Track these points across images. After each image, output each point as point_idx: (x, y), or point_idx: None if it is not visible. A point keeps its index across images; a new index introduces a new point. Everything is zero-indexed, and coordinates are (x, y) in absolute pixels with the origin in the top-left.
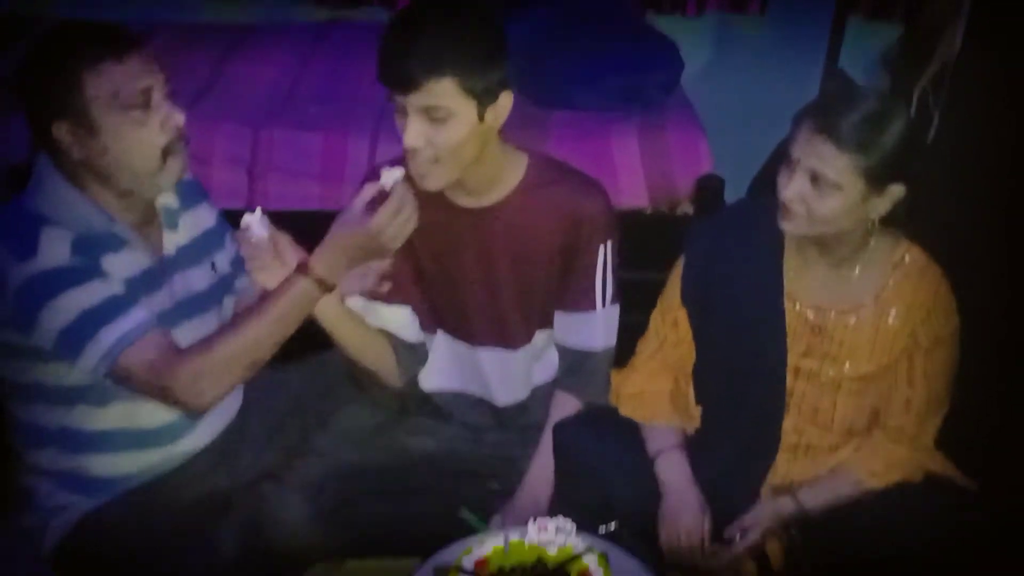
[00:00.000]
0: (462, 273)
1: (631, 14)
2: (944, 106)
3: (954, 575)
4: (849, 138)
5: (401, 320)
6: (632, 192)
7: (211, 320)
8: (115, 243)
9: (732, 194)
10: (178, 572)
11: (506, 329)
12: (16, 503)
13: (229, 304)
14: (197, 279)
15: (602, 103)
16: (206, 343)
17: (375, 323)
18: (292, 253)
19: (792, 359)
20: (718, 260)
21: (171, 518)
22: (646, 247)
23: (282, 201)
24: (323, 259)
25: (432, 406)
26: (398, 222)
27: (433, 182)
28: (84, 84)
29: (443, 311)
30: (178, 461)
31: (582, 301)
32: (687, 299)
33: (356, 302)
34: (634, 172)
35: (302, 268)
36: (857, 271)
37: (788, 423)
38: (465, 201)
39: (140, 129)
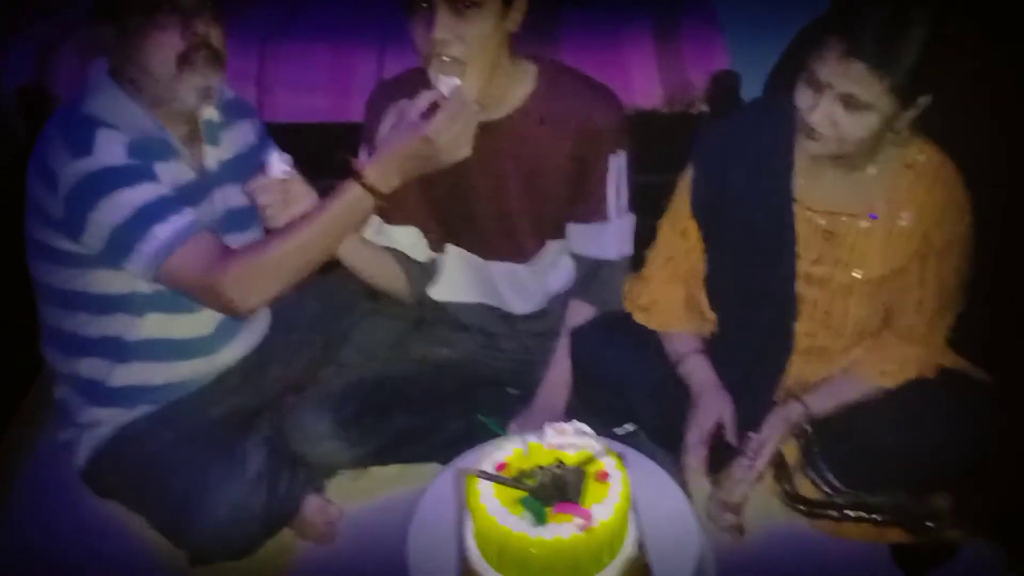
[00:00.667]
0: (472, 188)
1: None
2: None
3: (973, 472)
4: (882, 57)
5: (410, 240)
6: (646, 92)
7: (250, 237)
8: (166, 151)
9: (748, 91)
10: (207, 485)
11: (516, 242)
12: (49, 418)
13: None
14: (237, 196)
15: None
16: (257, 245)
17: (384, 243)
18: (306, 197)
19: (803, 266)
20: (726, 169)
21: (198, 434)
22: (661, 148)
23: (290, 114)
24: (377, 167)
25: (450, 316)
26: (455, 129)
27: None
28: None
29: (454, 226)
30: (210, 376)
31: (595, 212)
32: (696, 208)
33: (368, 224)
34: (648, 71)
35: (356, 175)
36: (869, 173)
37: (800, 327)
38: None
39: (159, 34)
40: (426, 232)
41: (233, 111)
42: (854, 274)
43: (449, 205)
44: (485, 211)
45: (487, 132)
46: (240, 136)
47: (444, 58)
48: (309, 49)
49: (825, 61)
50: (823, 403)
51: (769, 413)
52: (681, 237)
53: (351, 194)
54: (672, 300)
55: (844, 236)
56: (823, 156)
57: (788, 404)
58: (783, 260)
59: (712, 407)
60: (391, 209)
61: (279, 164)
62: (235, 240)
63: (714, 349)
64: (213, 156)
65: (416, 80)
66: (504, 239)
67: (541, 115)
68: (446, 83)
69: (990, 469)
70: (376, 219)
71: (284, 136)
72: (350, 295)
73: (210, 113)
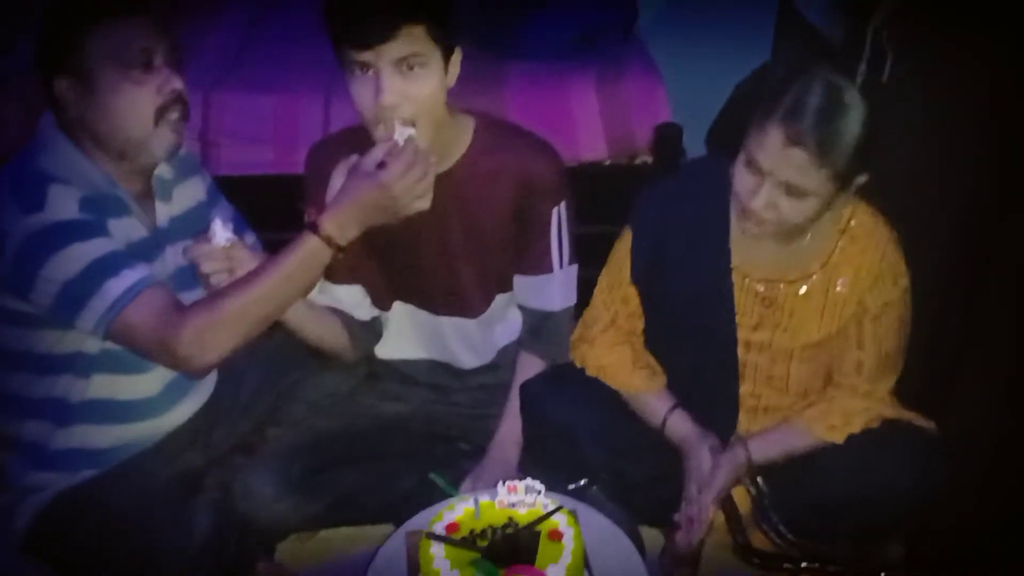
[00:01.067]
0: (416, 243)
1: None
2: (897, 46)
3: (923, 519)
4: (823, 146)
5: (353, 299)
6: (591, 144)
7: (201, 294)
8: (119, 207)
9: (690, 141)
10: (152, 550)
11: (464, 297)
12: None
13: None
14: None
15: (557, 52)
16: (211, 300)
17: (327, 302)
18: (250, 262)
19: (743, 333)
20: (664, 236)
21: (146, 496)
22: (606, 199)
23: (236, 167)
24: (334, 218)
25: (400, 371)
26: (411, 177)
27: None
28: (86, 38)
29: (400, 282)
30: (155, 438)
31: (539, 264)
32: (636, 275)
33: None
34: (593, 123)
35: (312, 226)
36: (806, 241)
37: (745, 389)
38: None
39: (136, 89)
40: (373, 289)
41: (183, 167)
42: (794, 340)
43: (396, 262)
44: (432, 266)
45: None
46: (190, 192)
47: (396, 120)
48: (253, 100)
49: (766, 149)
50: (767, 450)
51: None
52: (622, 303)
53: (308, 246)
54: (621, 362)
55: (782, 302)
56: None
57: (732, 448)
58: (723, 327)
59: (705, 462)
60: (335, 267)
61: (222, 231)
62: (188, 298)
63: None
64: (165, 213)
65: (356, 138)
66: (452, 294)
67: (479, 169)
68: (400, 132)
69: (940, 516)
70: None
71: (230, 189)
72: (298, 350)
73: (162, 169)
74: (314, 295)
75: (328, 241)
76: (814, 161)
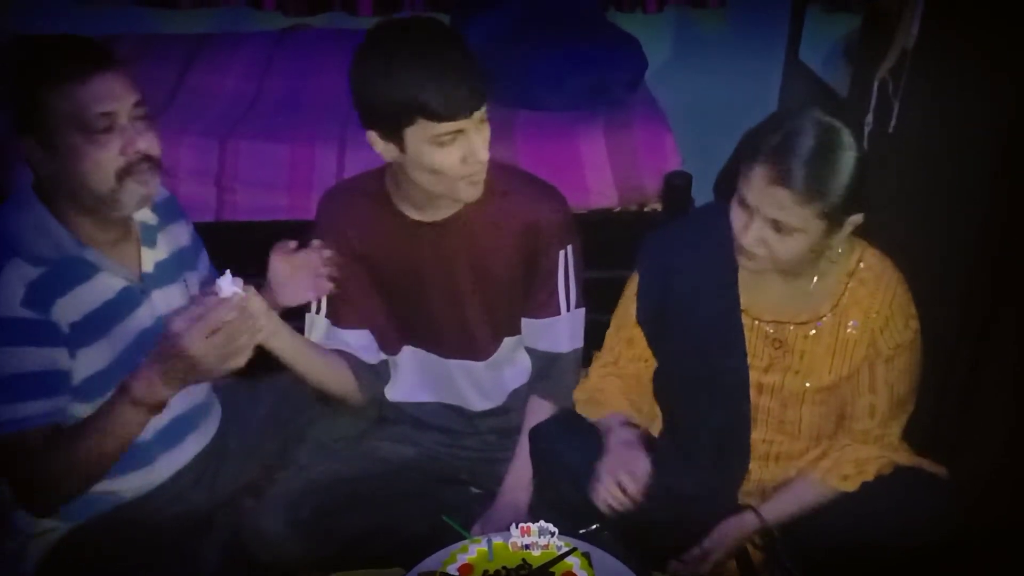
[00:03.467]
0: (424, 288)
1: (592, 12)
2: (904, 94)
3: (936, 565)
4: (808, 186)
5: (361, 343)
6: (601, 191)
7: None
8: (85, 270)
9: (699, 190)
10: None
11: (473, 340)
12: None
13: None
14: (175, 296)
15: (567, 102)
16: (53, 456)
17: (335, 346)
18: (266, 316)
19: (754, 376)
20: (672, 279)
21: (152, 537)
22: (616, 246)
23: (251, 212)
24: (140, 380)
25: (409, 414)
26: (214, 342)
27: (478, 191)
28: (46, 101)
29: (408, 326)
30: (157, 481)
31: (546, 307)
32: (642, 318)
33: (317, 328)
34: (602, 171)
35: (121, 388)
36: (814, 282)
37: (757, 435)
38: (422, 215)
39: (98, 150)
40: (381, 334)
41: (166, 212)
42: (805, 383)
43: (404, 306)
44: (440, 310)
45: (435, 232)
46: (174, 237)
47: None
48: (269, 147)
49: (752, 187)
50: (781, 510)
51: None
52: (627, 345)
53: (117, 409)
54: (612, 391)
55: (792, 344)
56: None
57: (742, 514)
58: (734, 369)
59: (623, 458)
60: (342, 312)
61: (229, 285)
62: None
63: (672, 455)
64: (151, 258)
65: (369, 184)
66: (461, 337)
67: (486, 213)
68: (226, 288)
69: (952, 561)
70: (325, 323)
71: (243, 234)
72: (308, 392)
73: (145, 215)
74: (321, 339)
75: (137, 403)
76: (796, 200)
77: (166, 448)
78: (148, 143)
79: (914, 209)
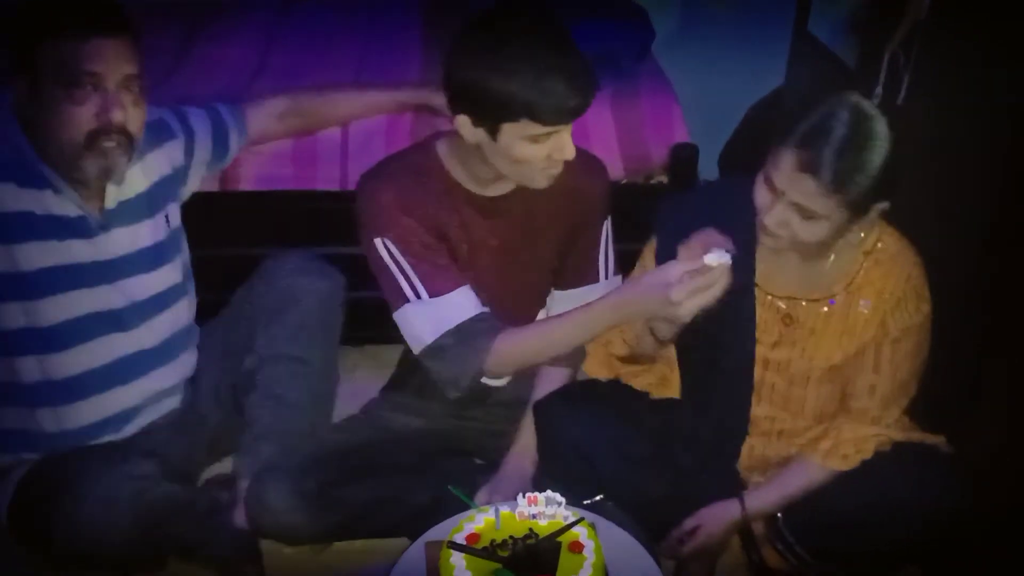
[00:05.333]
0: (476, 259)
1: None
2: (914, 68)
3: (939, 542)
4: (836, 178)
5: (470, 299)
6: (607, 163)
7: (155, 278)
8: (39, 180)
9: (705, 163)
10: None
11: (511, 312)
12: None
13: (180, 263)
14: (139, 236)
15: None
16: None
17: (454, 315)
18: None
19: (762, 351)
20: None
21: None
22: (621, 219)
23: (255, 182)
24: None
25: (416, 384)
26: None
27: (551, 181)
28: (41, 49)
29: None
30: (104, 415)
31: (586, 276)
32: None
33: (426, 308)
34: (609, 143)
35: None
36: (829, 260)
37: (760, 411)
38: (483, 190)
39: (73, 107)
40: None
41: (153, 137)
42: (812, 360)
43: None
44: (490, 282)
45: (496, 205)
46: (153, 168)
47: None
48: None
49: (780, 171)
50: (763, 500)
51: (711, 504)
52: None
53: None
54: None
55: (803, 321)
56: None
57: (727, 502)
58: (743, 343)
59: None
60: (440, 280)
61: (716, 257)
62: (128, 284)
63: (672, 427)
64: (113, 196)
65: (412, 168)
66: (501, 308)
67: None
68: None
69: (955, 538)
70: (433, 301)
71: (248, 203)
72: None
73: None
74: (436, 316)
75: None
76: (824, 189)
77: (121, 382)
78: (127, 117)
79: (922, 183)
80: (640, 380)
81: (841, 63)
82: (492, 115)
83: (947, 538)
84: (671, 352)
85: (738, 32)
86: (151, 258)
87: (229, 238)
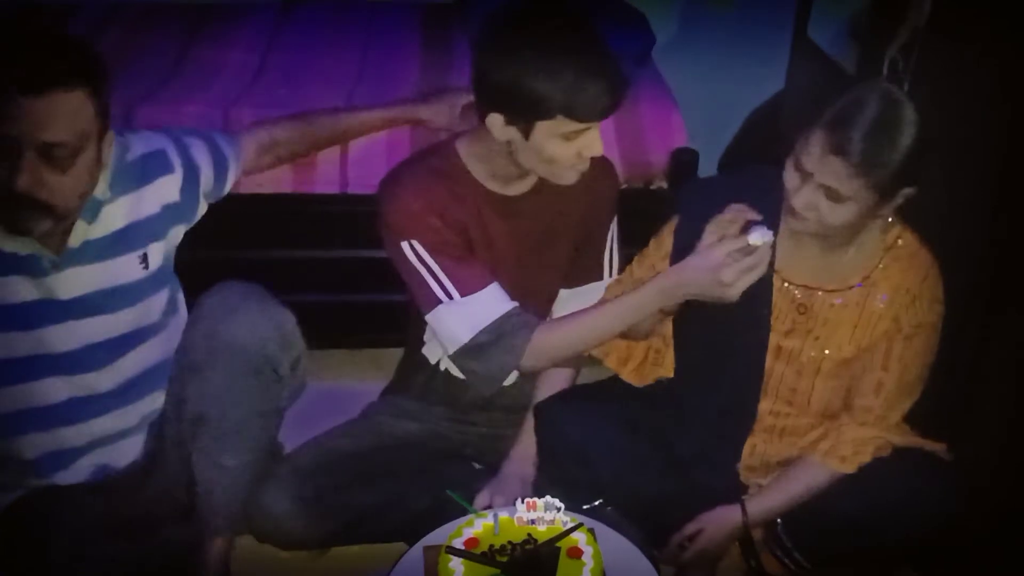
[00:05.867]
0: (501, 261)
1: None
2: (914, 73)
3: (936, 546)
4: (865, 159)
5: (499, 295)
6: None
7: (126, 317)
8: None
9: (705, 167)
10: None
11: (533, 309)
12: None
13: (156, 303)
14: (108, 275)
15: None
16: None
17: (482, 321)
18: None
19: (775, 338)
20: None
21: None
22: (621, 224)
23: (254, 185)
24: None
25: (416, 388)
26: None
27: (577, 178)
28: None
29: None
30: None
31: (591, 273)
32: (675, 258)
33: (460, 308)
34: (609, 147)
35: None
36: (849, 253)
37: (765, 406)
38: (503, 189)
39: None
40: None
41: (139, 174)
42: (824, 351)
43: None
44: (505, 281)
45: (515, 204)
46: (136, 205)
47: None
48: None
49: (809, 152)
50: (764, 504)
51: (710, 509)
52: (649, 271)
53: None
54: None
55: (818, 311)
56: (805, 233)
57: (727, 508)
58: (756, 328)
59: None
60: (469, 277)
61: (759, 236)
62: (92, 325)
63: (675, 421)
64: (82, 234)
65: (442, 163)
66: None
67: (558, 186)
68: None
69: (953, 542)
70: (465, 299)
71: (247, 207)
72: None
73: (99, 188)
74: (469, 314)
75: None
76: (853, 171)
77: (64, 423)
78: (38, 186)
79: (921, 189)
80: (631, 362)
81: (841, 69)
82: (527, 113)
83: (943, 544)
84: (667, 328)
85: (738, 37)
86: (115, 299)
87: (229, 240)
